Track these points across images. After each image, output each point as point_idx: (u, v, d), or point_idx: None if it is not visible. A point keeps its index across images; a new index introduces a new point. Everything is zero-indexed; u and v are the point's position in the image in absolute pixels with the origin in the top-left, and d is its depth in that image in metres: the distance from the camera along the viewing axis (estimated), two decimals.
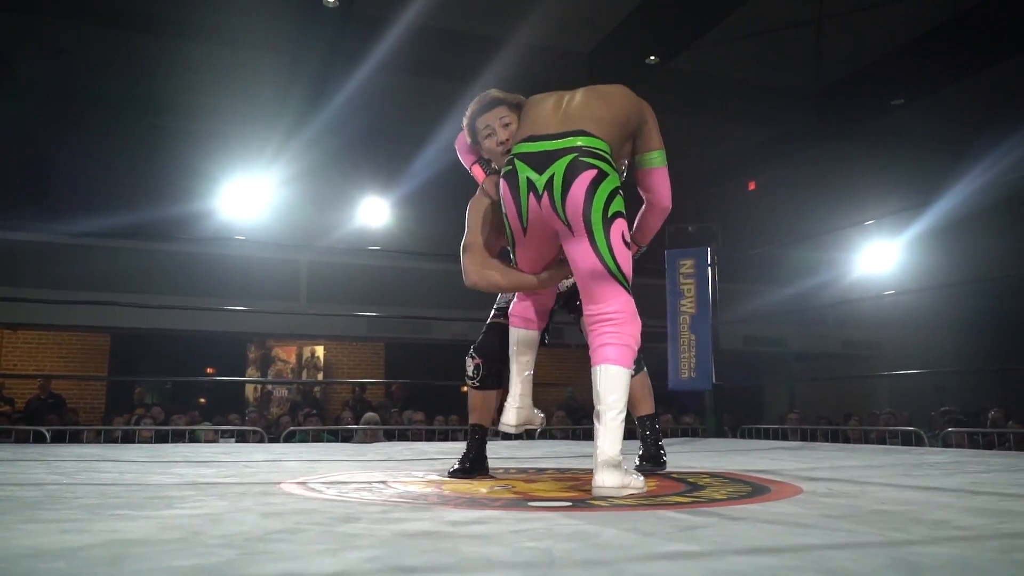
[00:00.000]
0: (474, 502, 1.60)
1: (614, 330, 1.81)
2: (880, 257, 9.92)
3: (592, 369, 1.81)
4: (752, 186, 12.37)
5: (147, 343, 10.28)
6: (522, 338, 2.17)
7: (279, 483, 2.01)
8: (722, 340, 5.31)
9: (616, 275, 1.81)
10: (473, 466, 2.28)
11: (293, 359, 11.94)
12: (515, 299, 2.20)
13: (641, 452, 2.43)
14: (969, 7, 7.87)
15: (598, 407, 1.77)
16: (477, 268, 2.07)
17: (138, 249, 8.94)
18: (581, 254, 1.82)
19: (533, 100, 2.05)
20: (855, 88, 9.57)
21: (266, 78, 9.24)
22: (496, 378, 2.32)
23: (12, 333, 10.28)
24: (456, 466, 2.27)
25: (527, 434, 6.09)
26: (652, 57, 8.49)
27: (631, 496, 1.68)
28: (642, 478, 1.79)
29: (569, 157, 1.78)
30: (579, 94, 1.98)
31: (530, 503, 1.60)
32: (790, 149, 11.08)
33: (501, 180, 1.93)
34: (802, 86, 9.76)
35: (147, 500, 1.63)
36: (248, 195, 9.51)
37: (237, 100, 9.82)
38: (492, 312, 2.38)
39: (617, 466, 1.71)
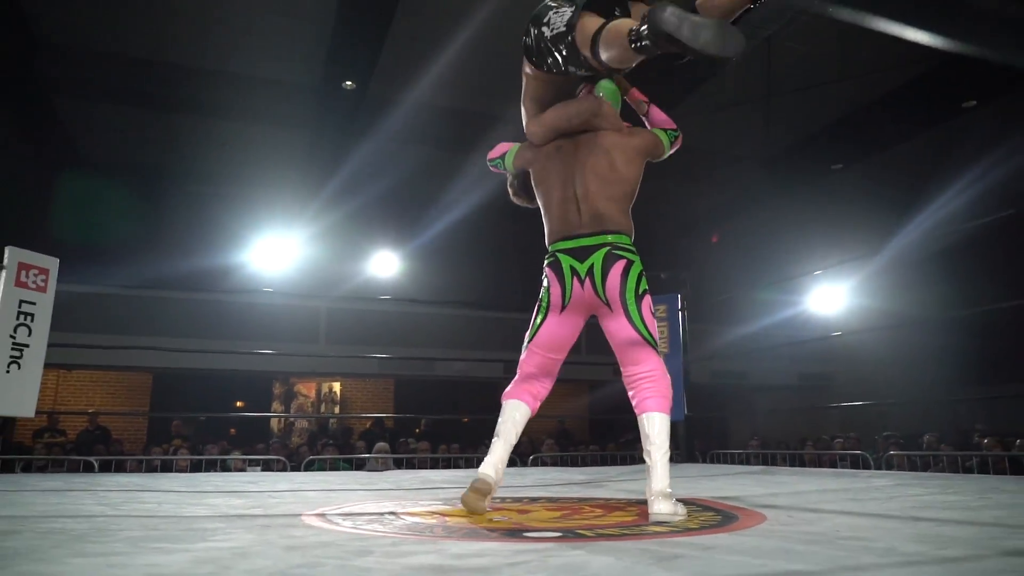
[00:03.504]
0: (475, 533, 1.58)
1: (652, 385, 1.98)
2: (829, 299, 10.06)
3: (639, 418, 1.97)
4: (715, 239, 12.48)
5: (184, 381, 10.20)
6: (520, 410, 2.11)
7: (300, 515, 1.98)
8: (692, 375, 5.29)
9: (648, 341, 2.01)
10: None
11: (313, 394, 11.84)
12: (519, 376, 2.14)
13: None
14: (898, 85, 8.07)
15: (648, 447, 1.93)
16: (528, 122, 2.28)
17: (178, 299, 8.94)
18: (619, 327, 2.02)
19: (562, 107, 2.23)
20: (799, 155, 9.74)
21: (289, 151, 9.36)
22: None
23: (67, 373, 10.22)
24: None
25: (520, 461, 6.03)
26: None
27: (621, 526, 1.66)
28: (683, 508, 1.88)
29: (604, 251, 2.03)
30: (589, 179, 2.09)
31: (525, 533, 1.58)
32: (746, 207, 11.21)
33: (546, 267, 2.11)
34: (753, 153, 9.93)
35: (183, 533, 1.60)
36: (273, 250, 9.59)
37: (263, 170, 9.94)
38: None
39: (668, 496, 1.86)
